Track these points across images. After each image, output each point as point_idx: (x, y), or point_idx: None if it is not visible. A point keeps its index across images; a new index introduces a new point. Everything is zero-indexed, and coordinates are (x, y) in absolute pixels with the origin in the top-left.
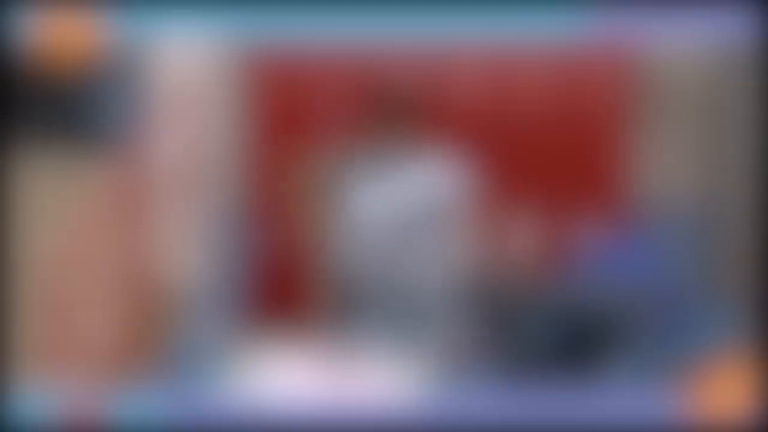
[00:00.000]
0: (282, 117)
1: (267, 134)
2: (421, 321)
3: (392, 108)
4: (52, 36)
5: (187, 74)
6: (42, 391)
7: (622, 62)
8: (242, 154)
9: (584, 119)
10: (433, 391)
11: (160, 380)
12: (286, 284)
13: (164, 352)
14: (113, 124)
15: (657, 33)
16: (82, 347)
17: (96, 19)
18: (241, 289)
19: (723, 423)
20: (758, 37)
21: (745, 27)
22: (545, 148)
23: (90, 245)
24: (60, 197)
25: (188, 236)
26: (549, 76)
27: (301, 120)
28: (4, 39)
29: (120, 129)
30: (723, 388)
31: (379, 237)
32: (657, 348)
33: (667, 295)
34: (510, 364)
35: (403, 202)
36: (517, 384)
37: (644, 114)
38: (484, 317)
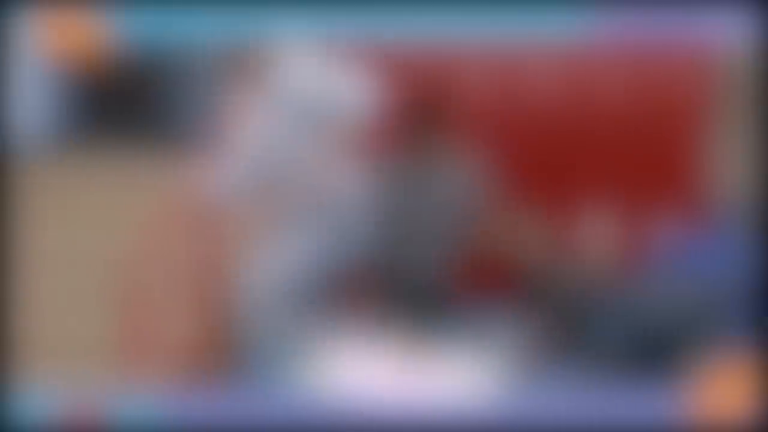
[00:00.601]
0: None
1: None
2: (497, 319)
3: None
4: (137, 37)
5: (300, 73)
6: (42, 391)
7: (699, 61)
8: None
9: (662, 118)
10: (507, 388)
11: (238, 377)
12: (365, 282)
13: (242, 350)
14: (197, 125)
15: (732, 31)
16: (160, 344)
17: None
18: (321, 287)
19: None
20: None
21: None
22: (622, 146)
23: (169, 245)
24: (144, 197)
25: (265, 237)
26: (627, 75)
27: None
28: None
29: (203, 129)
30: (731, 388)
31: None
32: (731, 346)
33: (742, 292)
34: (584, 363)
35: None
36: (590, 383)
37: (719, 112)
38: (559, 316)
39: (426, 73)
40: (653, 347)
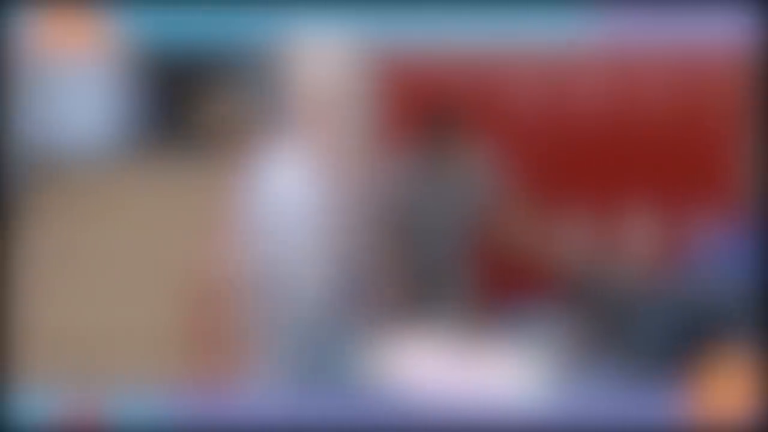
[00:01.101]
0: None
1: (395, 133)
2: (541, 317)
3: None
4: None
5: (322, 78)
6: (42, 391)
7: (734, 61)
8: (372, 151)
9: (694, 119)
10: (553, 386)
11: (292, 373)
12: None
13: (294, 346)
14: (247, 125)
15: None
16: (219, 338)
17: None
18: (376, 285)
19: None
20: None
21: None
22: (660, 146)
23: (219, 244)
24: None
25: (321, 235)
26: (666, 75)
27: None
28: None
29: (254, 130)
30: (731, 387)
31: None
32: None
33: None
34: (624, 361)
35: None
36: (631, 381)
37: (748, 112)
38: (599, 316)
39: (442, 77)
40: (691, 347)
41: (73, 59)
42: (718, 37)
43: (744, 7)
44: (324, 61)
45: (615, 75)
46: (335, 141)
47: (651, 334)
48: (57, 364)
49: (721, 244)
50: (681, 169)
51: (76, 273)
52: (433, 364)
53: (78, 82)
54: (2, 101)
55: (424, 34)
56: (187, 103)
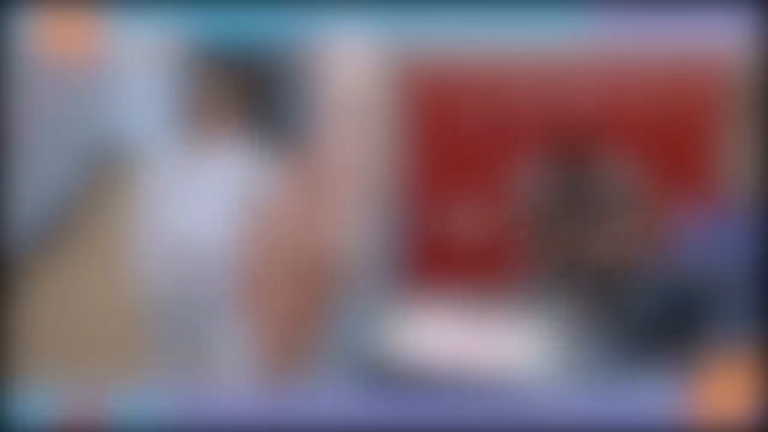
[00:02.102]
0: (438, 123)
1: (423, 134)
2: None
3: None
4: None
5: (351, 75)
6: (42, 391)
7: (712, 59)
8: (400, 150)
9: (682, 114)
10: (554, 366)
11: (328, 345)
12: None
13: (328, 321)
14: (288, 121)
15: (739, 30)
16: (266, 319)
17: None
18: (398, 263)
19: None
20: None
21: None
22: (647, 141)
23: (271, 230)
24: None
25: (352, 221)
26: (646, 73)
27: (456, 127)
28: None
29: (293, 126)
30: (736, 385)
31: None
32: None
33: (747, 286)
34: (613, 345)
35: None
36: (624, 371)
37: (731, 109)
38: (587, 298)
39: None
40: (671, 339)
41: (72, 59)
42: (716, 36)
43: (744, 7)
44: (355, 63)
45: (614, 74)
46: (361, 142)
47: (635, 316)
48: (57, 364)
49: (696, 235)
50: (681, 169)
51: (76, 273)
52: (446, 338)
53: (80, 82)
54: (2, 101)
55: (452, 37)
56: (198, 105)
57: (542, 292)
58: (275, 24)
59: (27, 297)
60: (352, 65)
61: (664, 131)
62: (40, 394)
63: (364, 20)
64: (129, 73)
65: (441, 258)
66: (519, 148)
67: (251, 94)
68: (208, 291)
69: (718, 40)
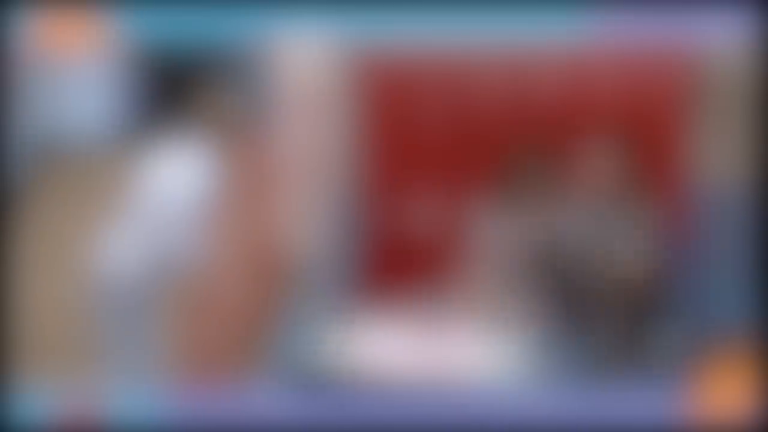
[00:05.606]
0: (392, 117)
1: (377, 128)
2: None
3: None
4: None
5: (305, 72)
6: (42, 391)
7: (682, 57)
8: (355, 144)
9: (651, 112)
10: (524, 370)
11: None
12: (393, 261)
13: (282, 320)
14: (242, 117)
15: (710, 28)
16: (215, 313)
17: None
18: (350, 263)
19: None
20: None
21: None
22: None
23: (223, 222)
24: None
25: (304, 217)
26: (613, 71)
27: (409, 120)
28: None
29: (247, 122)
30: (726, 386)
31: None
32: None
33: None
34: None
35: None
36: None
37: (702, 107)
38: (566, 303)
39: (428, 77)
40: (636, 342)
41: (72, 58)
42: (714, 36)
43: (744, 7)
44: (308, 60)
45: (614, 74)
46: (314, 139)
47: (611, 323)
48: (57, 364)
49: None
50: (662, 162)
51: (75, 271)
52: (398, 344)
53: (77, 80)
54: (2, 101)
55: (408, 34)
56: (181, 100)
57: (500, 293)
58: (230, 21)
59: None
60: (306, 61)
61: (637, 124)
62: (40, 395)
63: (318, 17)
64: (79, 69)
65: (397, 258)
66: (478, 144)
67: (207, 90)
68: (150, 289)
69: (713, 38)
